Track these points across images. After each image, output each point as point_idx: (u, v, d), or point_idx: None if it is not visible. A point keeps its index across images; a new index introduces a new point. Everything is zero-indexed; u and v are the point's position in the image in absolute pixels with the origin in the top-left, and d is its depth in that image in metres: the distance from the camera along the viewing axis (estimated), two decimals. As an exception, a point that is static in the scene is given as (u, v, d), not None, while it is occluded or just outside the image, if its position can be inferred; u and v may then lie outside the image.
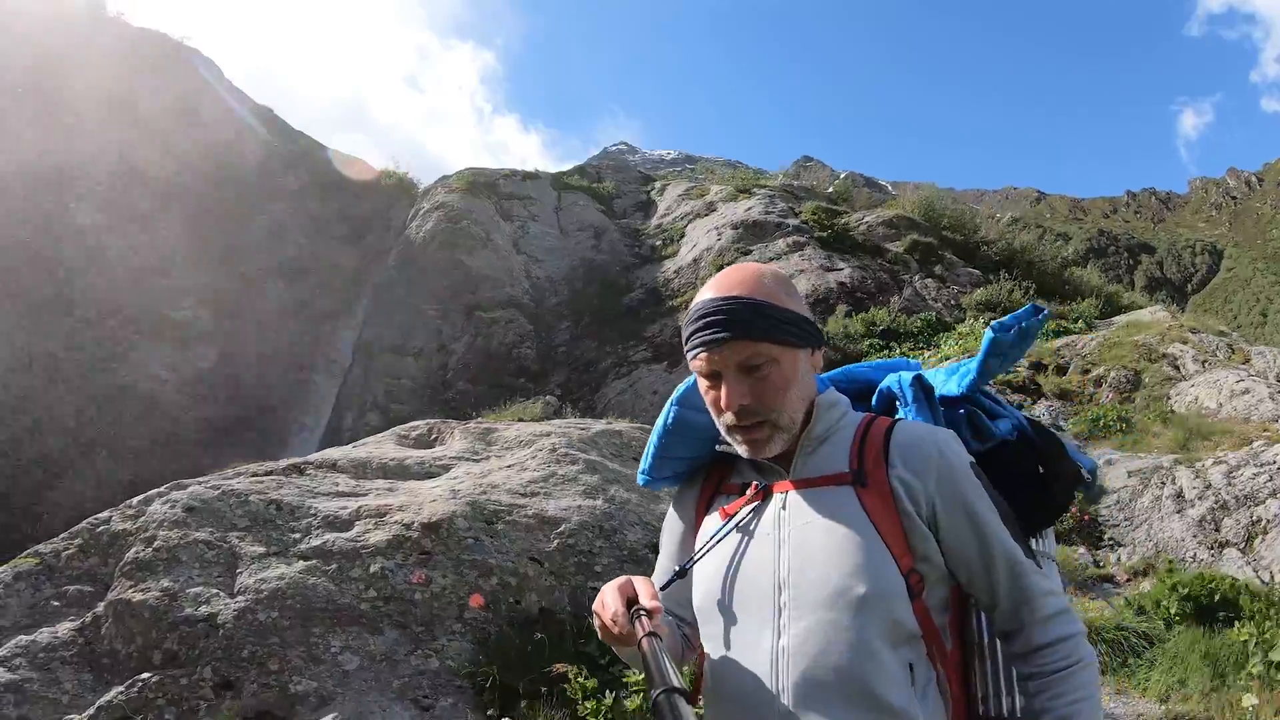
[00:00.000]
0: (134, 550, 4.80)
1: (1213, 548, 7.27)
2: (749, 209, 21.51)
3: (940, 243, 19.02)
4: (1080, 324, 13.42)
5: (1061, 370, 11.63)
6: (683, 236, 22.39)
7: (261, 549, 4.74)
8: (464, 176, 23.43)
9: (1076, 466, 1.63)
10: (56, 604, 4.85)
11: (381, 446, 6.50)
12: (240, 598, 4.42)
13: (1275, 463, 7.89)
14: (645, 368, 19.05)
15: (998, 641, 1.48)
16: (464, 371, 19.16)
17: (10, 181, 17.95)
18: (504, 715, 4.02)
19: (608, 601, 1.38)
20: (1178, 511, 7.63)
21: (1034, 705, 1.37)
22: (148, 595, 4.44)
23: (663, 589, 1.50)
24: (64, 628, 4.62)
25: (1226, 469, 7.98)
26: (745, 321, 1.38)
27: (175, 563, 4.62)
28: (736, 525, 1.49)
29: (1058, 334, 13.07)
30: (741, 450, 1.46)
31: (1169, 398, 10.21)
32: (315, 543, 4.83)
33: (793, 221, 20.78)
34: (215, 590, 4.48)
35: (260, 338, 18.86)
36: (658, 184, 27.08)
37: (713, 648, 1.48)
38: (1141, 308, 14.79)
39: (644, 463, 1.67)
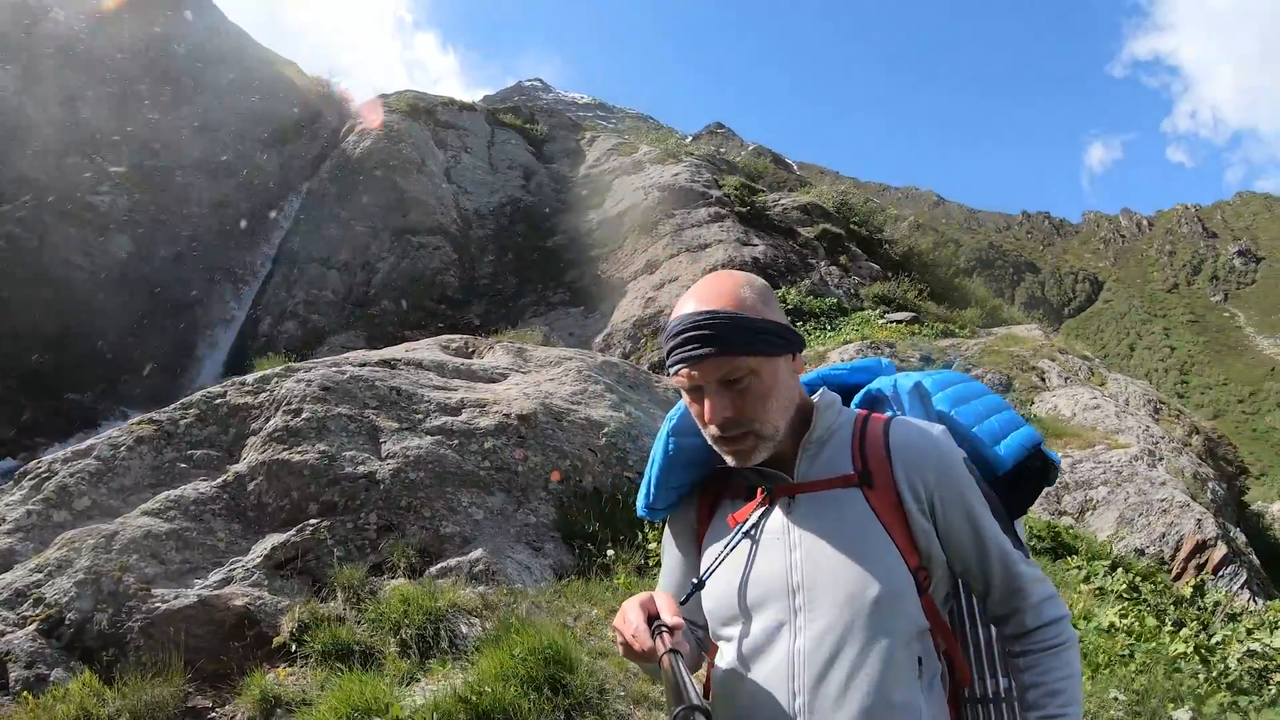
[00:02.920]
0: (279, 419, 6.01)
1: (1053, 515, 9.74)
2: (676, 174, 23.13)
3: (848, 235, 21.34)
4: (966, 330, 16.01)
5: (946, 367, 14.08)
6: (609, 190, 23.83)
7: (395, 424, 6.16)
8: (405, 99, 24.06)
9: (1048, 461, 1.78)
10: (184, 466, 5.83)
11: (435, 353, 7.92)
12: (390, 461, 5.82)
13: (1110, 462, 10.47)
14: (563, 309, 20.37)
15: (979, 626, 1.64)
16: (387, 291, 20.01)
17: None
18: (585, 555, 5.74)
19: (630, 618, 1.42)
20: (1030, 486, 10.11)
21: (1024, 680, 1.50)
22: (307, 456, 5.70)
23: (683, 603, 1.56)
24: (204, 486, 5.56)
25: (1071, 461, 10.50)
26: (724, 336, 1.42)
27: (325, 431, 5.93)
28: (745, 532, 1.55)
29: (945, 335, 15.59)
30: (729, 460, 1.51)
31: (1033, 403, 12.80)
32: (437, 422, 6.30)
33: (715, 193, 22.51)
34: (367, 454, 5.84)
35: (178, 233, 18.86)
36: (588, 134, 28.40)
37: (727, 651, 1.54)
38: (1019, 323, 17.62)
39: (645, 496, 1.70)
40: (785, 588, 1.47)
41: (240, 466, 5.80)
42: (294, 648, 4.50)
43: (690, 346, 1.44)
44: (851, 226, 21.81)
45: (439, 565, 5.25)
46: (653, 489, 1.67)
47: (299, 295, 19.45)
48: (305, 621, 4.62)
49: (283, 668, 4.35)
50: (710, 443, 1.52)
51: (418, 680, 4.10)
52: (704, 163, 24.43)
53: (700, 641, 1.66)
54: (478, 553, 5.34)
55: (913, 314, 16.49)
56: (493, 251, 22.26)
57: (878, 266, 20.29)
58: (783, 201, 22.65)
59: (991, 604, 1.55)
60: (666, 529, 1.75)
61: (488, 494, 6.01)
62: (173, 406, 6.39)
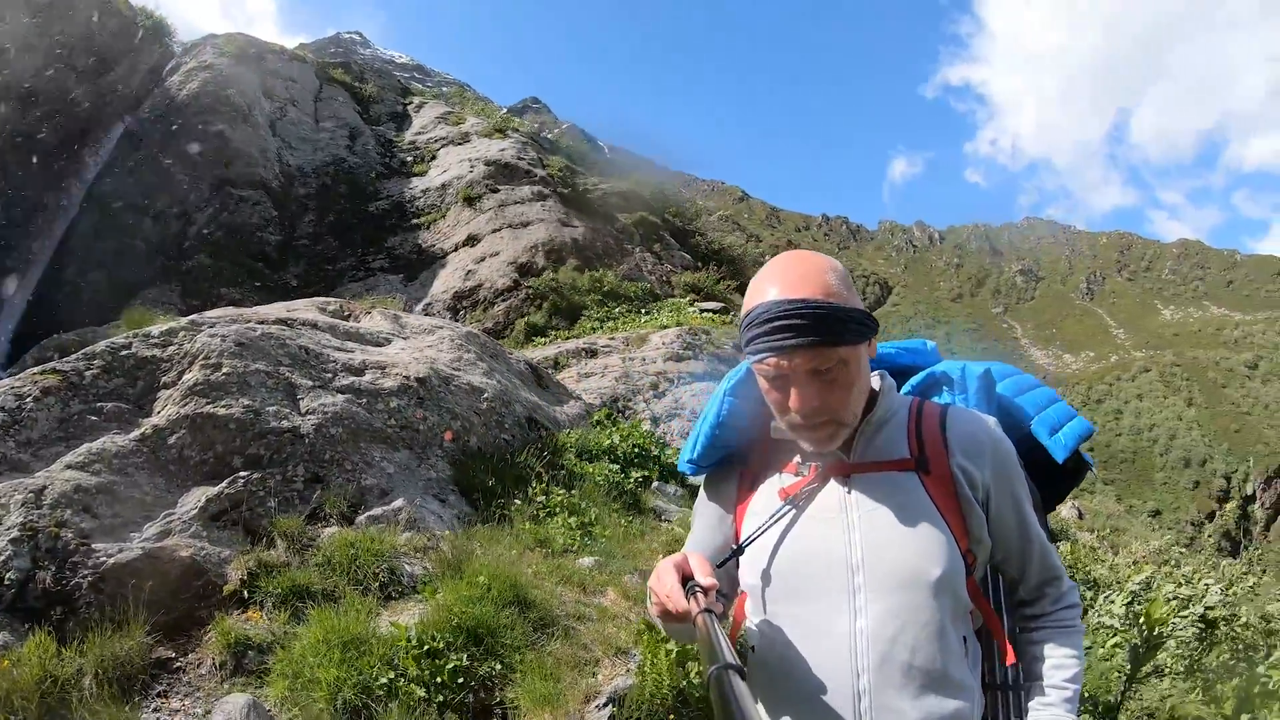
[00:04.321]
0: (198, 373, 5.97)
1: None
2: (503, 150, 23.41)
3: (663, 224, 22.62)
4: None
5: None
6: (434, 159, 23.73)
7: (310, 382, 6.38)
8: (235, 42, 22.41)
9: (1083, 462, 1.85)
10: (93, 419, 5.57)
11: (316, 314, 8.08)
12: (310, 416, 6.05)
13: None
14: (383, 276, 20.16)
15: (1004, 614, 1.66)
16: (204, 245, 18.87)
17: None
18: (483, 506, 6.37)
19: (665, 579, 1.38)
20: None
21: (1032, 652, 1.59)
22: (232, 410, 5.74)
23: (720, 565, 1.56)
24: (121, 439, 5.38)
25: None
26: (817, 327, 1.37)
27: (246, 386, 6.00)
28: (796, 506, 1.53)
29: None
30: (806, 445, 1.50)
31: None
32: (345, 382, 6.60)
33: (540, 172, 23.05)
34: (288, 409, 6.01)
35: (-26, 163, 17.20)
36: (416, 99, 27.80)
37: (774, 626, 1.51)
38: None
39: (691, 452, 1.69)
40: (845, 566, 1.46)
41: (158, 420, 5.67)
42: (246, 595, 4.60)
43: (781, 336, 1.39)
44: (666, 216, 23.11)
45: (366, 514, 5.62)
46: (700, 445, 1.67)
47: (109, 243, 17.83)
48: (254, 569, 4.75)
49: (253, 610, 4.50)
50: (787, 427, 1.50)
51: (381, 614, 4.55)
52: (529, 140, 24.85)
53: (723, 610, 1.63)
54: (399, 502, 5.77)
55: (721, 304, 17.94)
56: (314, 211, 21.46)
57: (689, 256, 21.68)
58: (602, 186, 23.58)
59: (1024, 589, 1.61)
60: (702, 490, 1.74)
61: (394, 450, 6.39)
62: (75, 357, 6.08)
